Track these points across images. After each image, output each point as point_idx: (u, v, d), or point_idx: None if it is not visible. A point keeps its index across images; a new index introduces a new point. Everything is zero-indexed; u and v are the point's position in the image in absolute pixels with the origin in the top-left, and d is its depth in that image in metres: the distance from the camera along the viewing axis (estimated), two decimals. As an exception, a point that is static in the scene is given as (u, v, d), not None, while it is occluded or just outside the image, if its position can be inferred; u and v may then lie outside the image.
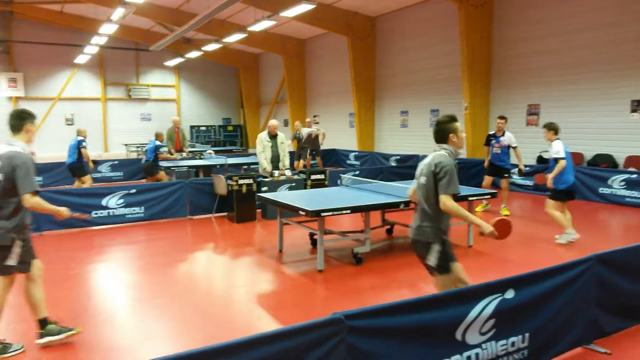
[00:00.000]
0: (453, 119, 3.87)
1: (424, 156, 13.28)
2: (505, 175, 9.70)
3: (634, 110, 11.40)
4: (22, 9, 22.04)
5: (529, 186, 12.46)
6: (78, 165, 11.71)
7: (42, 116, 25.34)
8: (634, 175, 10.47)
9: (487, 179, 9.80)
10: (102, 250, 7.74)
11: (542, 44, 13.21)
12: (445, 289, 3.78)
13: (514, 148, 9.56)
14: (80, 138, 11.70)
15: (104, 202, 9.28)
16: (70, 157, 11.70)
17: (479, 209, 10.03)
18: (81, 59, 24.46)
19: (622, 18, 11.42)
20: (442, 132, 3.85)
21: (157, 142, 12.55)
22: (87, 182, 11.85)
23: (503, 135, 9.61)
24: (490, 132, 10.02)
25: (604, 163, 11.78)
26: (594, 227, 9.02)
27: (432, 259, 3.81)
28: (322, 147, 16.63)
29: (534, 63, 13.48)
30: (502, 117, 9.76)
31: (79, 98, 26.42)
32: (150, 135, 25.96)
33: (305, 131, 15.50)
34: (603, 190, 10.93)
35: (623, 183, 10.59)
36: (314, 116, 23.73)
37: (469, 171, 13.12)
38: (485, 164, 9.94)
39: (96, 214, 9.14)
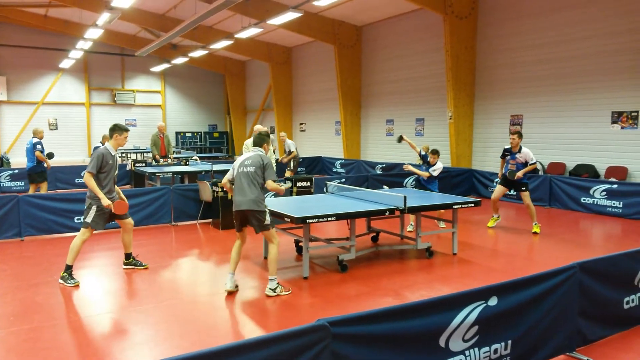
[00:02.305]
0: (268, 135, 6.08)
1: (410, 164, 13.33)
2: (523, 189, 9.01)
3: (614, 122, 11.61)
4: (5, 12, 21.78)
5: (512, 195, 12.59)
6: (38, 170, 11.16)
7: (25, 121, 25.03)
8: (615, 186, 10.64)
9: (499, 189, 9.34)
10: (84, 256, 7.63)
11: (524, 55, 13.41)
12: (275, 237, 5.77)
13: (532, 164, 8.92)
14: (35, 140, 11.07)
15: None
16: (29, 162, 11.15)
17: (490, 224, 9.50)
18: (66, 64, 24.23)
19: (603, 31, 11.66)
20: (262, 141, 5.93)
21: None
22: (42, 188, 11.36)
23: (519, 151, 8.95)
24: (506, 147, 9.23)
25: (586, 173, 11.97)
26: (576, 236, 9.13)
27: (268, 218, 5.69)
28: (307, 155, 16.54)
29: (517, 74, 13.68)
30: (515, 133, 9.00)
31: (63, 103, 26.14)
32: (136, 141, 25.89)
33: (289, 143, 15.43)
34: (585, 200, 11.09)
35: (604, 193, 10.75)
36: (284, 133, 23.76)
37: (452, 180, 13.23)
38: (499, 175, 9.46)
39: (78, 219, 9.02)
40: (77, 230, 8.97)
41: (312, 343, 2.82)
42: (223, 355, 2.53)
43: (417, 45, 16.85)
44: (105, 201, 6.15)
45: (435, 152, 9.07)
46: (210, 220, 10.08)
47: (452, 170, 13.55)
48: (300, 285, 6.09)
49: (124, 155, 22.29)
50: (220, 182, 9.46)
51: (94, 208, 6.22)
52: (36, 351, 4.30)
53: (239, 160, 5.79)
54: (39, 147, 11.11)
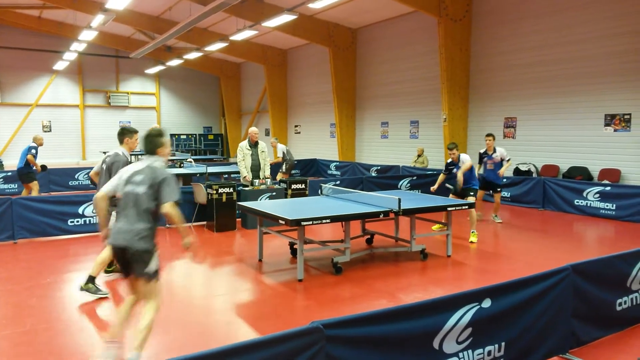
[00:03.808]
0: (161, 134, 4.22)
1: (404, 167, 13.31)
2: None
3: (607, 124, 11.68)
4: (-1, 13, 21.73)
5: (506, 197, 12.63)
6: (25, 171, 11.42)
7: (18, 123, 24.92)
8: (608, 188, 10.70)
9: (480, 193, 9.92)
10: (77, 259, 7.60)
11: (518, 57, 13.48)
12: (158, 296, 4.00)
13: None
14: (32, 144, 11.39)
15: (80, 210, 9.14)
16: (20, 162, 11.50)
17: (436, 227, 9.15)
18: (60, 65, 24.16)
19: (597, 34, 11.74)
20: (154, 144, 4.15)
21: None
22: (34, 189, 11.60)
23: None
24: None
25: (579, 175, 12.03)
26: (569, 238, 9.17)
27: (154, 264, 3.93)
28: (302, 158, 16.54)
29: (511, 76, 13.75)
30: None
31: (57, 105, 26.06)
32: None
33: (280, 147, 15.39)
34: (578, 202, 11.14)
35: (597, 195, 10.81)
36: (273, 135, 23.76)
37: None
38: (480, 171, 10.18)
39: (72, 222, 8.99)
40: (71, 232, 8.99)
41: (307, 345, 2.82)
42: (217, 357, 2.53)
43: (411, 48, 16.91)
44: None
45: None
46: (204, 222, 10.06)
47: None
48: (295, 288, 6.09)
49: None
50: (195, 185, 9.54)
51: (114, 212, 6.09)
52: (30, 355, 4.28)
53: (128, 170, 4.14)
54: (33, 151, 11.30)
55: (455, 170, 8.90)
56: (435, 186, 9.11)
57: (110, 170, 5.86)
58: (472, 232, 8.61)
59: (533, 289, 3.85)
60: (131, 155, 6.44)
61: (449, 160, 9.02)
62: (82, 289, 5.69)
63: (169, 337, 4.69)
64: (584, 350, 4.23)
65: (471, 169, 8.72)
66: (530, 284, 3.84)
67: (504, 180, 12.63)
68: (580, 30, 12.07)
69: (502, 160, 9.90)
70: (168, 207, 3.88)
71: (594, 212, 10.86)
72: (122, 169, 4.22)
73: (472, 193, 8.69)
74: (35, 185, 11.64)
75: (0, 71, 24.50)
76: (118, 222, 3.98)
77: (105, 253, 5.72)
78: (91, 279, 5.74)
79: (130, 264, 3.90)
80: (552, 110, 12.82)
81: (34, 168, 11.46)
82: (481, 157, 10.19)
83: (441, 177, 9.21)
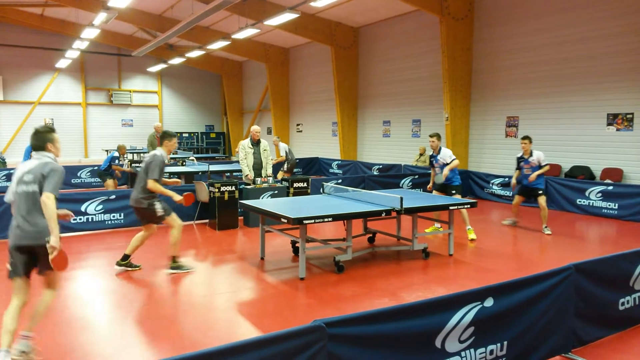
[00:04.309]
0: (50, 130, 4.25)
1: (406, 165, 13.38)
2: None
3: (610, 124, 11.65)
4: (2, 11, 21.73)
5: (508, 196, 12.62)
6: None
7: (21, 121, 24.95)
8: (610, 187, 10.68)
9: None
10: (80, 257, 7.61)
11: (521, 56, 13.45)
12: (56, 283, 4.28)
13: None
14: None
15: (83, 208, 9.15)
16: (25, 158, 11.89)
17: (429, 230, 8.98)
18: (62, 63, 24.18)
19: (600, 32, 11.71)
20: (42, 140, 4.18)
21: (115, 154, 13.23)
22: None
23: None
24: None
25: (581, 175, 12.01)
26: (572, 237, 9.15)
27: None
28: (304, 156, 16.52)
29: (513, 75, 13.72)
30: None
31: (59, 103, 26.09)
32: (132, 141, 25.86)
33: (282, 146, 15.39)
34: (580, 201, 11.12)
35: (600, 195, 10.79)
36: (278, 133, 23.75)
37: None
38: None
39: (75, 220, 9.00)
40: (75, 230, 9.01)
41: (309, 344, 2.82)
42: (219, 356, 2.53)
43: (413, 47, 16.89)
44: (177, 197, 6.57)
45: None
46: (207, 220, 10.07)
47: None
48: (297, 286, 6.09)
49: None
50: (216, 184, 9.54)
51: (157, 204, 6.55)
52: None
53: (18, 171, 4.14)
54: None
55: (434, 162, 8.82)
56: (430, 184, 9.10)
57: (147, 169, 6.46)
58: (468, 228, 8.60)
59: (535, 289, 3.84)
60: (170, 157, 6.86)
61: (431, 153, 8.92)
62: (171, 268, 6.67)
63: (171, 335, 4.70)
64: (587, 349, 4.22)
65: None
66: (532, 284, 3.84)
67: (506, 179, 12.66)
68: (582, 29, 12.04)
69: (539, 164, 9.08)
70: (44, 198, 3.90)
71: (596, 211, 10.84)
72: (16, 170, 4.20)
73: (453, 191, 8.68)
74: None
75: (3, 69, 24.54)
76: (16, 223, 4.03)
77: (176, 232, 6.59)
78: (173, 259, 6.68)
79: (37, 260, 4.08)
80: (554, 109, 12.80)
81: None
82: (518, 161, 9.41)
83: (432, 172, 9.09)
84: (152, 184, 6.41)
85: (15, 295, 4.11)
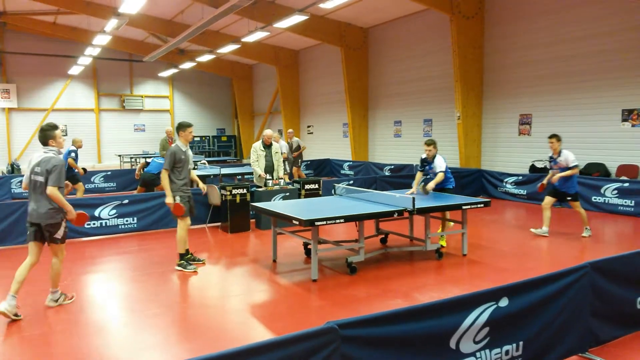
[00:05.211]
0: (53, 127, 5.31)
1: (418, 166, 13.24)
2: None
3: (625, 120, 11.50)
4: (15, 20, 22.01)
5: (522, 195, 12.50)
6: (69, 175, 11.24)
7: (35, 128, 25.24)
8: (626, 184, 10.54)
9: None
10: (94, 261, 7.67)
11: (533, 53, 13.33)
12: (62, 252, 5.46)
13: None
14: (72, 148, 11.70)
15: (96, 212, 9.23)
16: None
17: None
18: (75, 70, 24.43)
19: (612, 28, 11.56)
20: (46, 137, 5.27)
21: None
22: (79, 189, 11.97)
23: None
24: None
25: (597, 172, 11.85)
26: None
27: (61, 232, 5.33)
28: (315, 157, 16.70)
29: (526, 73, 13.60)
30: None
31: (73, 109, 26.37)
32: (144, 145, 26.04)
33: (295, 140, 15.60)
34: (596, 199, 10.98)
35: (615, 192, 10.65)
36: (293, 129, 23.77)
37: (461, 180, 13.14)
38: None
39: (89, 224, 9.08)
40: (89, 235, 9.09)
41: (321, 346, 2.81)
42: (233, 358, 2.53)
43: (424, 46, 16.82)
44: (170, 199, 6.78)
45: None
46: (219, 223, 10.10)
47: (461, 171, 13.48)
48: (309, 288, 6.08)
49: (133, 160, 22.41)
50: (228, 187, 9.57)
51: (177, 200, 6.85)
52: (47, 357, 4.32)
53: (31, 162, 5.30)
54: (72, 154, 11.64)
55: (428, 168, 8.21)
56: (413, 189, 8.17)
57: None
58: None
59: (551, 288, 3.79)
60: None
61: (423, 156, 8.19)
62: (178, 264, 6.90)
63: (185, 338, 4.71)
64: (604, 349, 4.16)
65: (445, 170, 8.07)
66: (547, 283, 3.79)
67: (520, 177, 12.54)
68: (594, 25, 11.89)
69: (567, 165, 8.43)
70: (50, 190, 5.05)
71: (612, 208, 10.69)
72: (30, 161, 5.30)
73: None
74: (80, 186, 12.04)
75: (17, 77, 24.86)
76: (30, 206, 5.24)
77: (182, 231, 6.89)
78: (180, 257, 6.91)
79: (44, 233, 5.25)
80: (568, 106, 12.65)
81: (76, 170, 11.76)
82: (549, 162, 8.89)
83: (418, 175, 8.37)
84: (163, 174, 6.81)
85: (29, 255, 5.28)
